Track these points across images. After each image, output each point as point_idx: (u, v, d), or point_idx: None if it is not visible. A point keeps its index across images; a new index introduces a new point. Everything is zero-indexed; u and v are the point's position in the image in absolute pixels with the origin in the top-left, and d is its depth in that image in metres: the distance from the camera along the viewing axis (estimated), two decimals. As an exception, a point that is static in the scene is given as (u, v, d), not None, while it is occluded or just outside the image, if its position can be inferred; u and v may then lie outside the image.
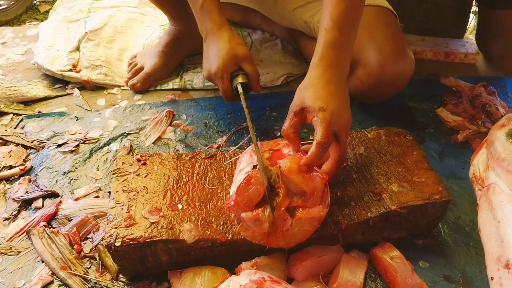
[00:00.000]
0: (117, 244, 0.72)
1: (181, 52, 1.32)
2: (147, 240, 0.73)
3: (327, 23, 0.83)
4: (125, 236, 0.73)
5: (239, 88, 0.99)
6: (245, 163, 0.79)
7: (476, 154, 0.90)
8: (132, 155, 0.90)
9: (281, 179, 0.74)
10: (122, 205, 0.78)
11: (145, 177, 0.84)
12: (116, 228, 0.74)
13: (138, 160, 0.87)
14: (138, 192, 0.81)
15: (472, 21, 1.78)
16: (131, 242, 0.72)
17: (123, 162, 0.87)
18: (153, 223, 0.75)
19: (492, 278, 0.70)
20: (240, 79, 1.01)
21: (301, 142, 0.82)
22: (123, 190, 0.81)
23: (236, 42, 1.02)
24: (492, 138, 0.85)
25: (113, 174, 0.85)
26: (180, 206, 0.79)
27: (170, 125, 1.13)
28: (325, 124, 0.75)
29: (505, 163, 0.79)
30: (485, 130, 1.08)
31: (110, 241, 0.72)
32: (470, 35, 1.66)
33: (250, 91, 1.03)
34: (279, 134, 1.11)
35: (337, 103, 0.79)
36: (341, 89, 0.82)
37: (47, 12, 2.51)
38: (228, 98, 1.05)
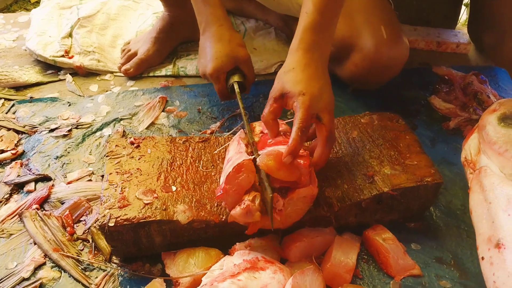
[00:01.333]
0: (111, 224, 0.72)
1: (174, 38, 1.32)
2: (141, 220, 0.73)
3: (308, 7, 0.82)
4: (118, 217, 0.73)
5: (236, 87, 0.99)
6: (233, 151, 0.78)
7: (468, 139, 0.91)
8: (126, 138, 0.90)
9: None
10: (116, 187, 0.78)
11: (138, 159, 0.84)
12: (109, 208, 0.74)
13: (132, 143, 0.87)
14: (131, 174, 0.81)
15: (464, 14, 1.78)
16: (125, 223, 0.72)
17: (116, 145, 0.87)
18: (147, 204, 0.75)
19: (483, 258, 0.71)
20: (236, 78, 1.01)
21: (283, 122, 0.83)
22: (117, 172, 0.81)
23: (237, 43, 1.01)
24: (484, 122, 0.86)
25: (107, 156, 0.85)
26: (174, 188, 0.79)
27: (163, 111, 1.13)
28: (303, 109, 0.74)
29: (497, 146, 0.79)
30: (476, 117, 1.09)
31: (103, 221, 0.72)
32: (462, 28, 1.67)
33: (245, 90, 1.03)
34: (272, 121, 1.11)
35: (317, 85, 0.78)
36: (321, 71, 0.81)
37: (38, 2, 2.49)
38: (223, 97, 1.05)
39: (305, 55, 0.80)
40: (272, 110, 0.79)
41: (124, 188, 0.78)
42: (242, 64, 1.01)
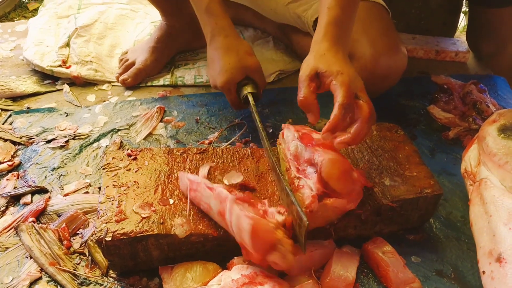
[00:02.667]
0: (108, 239, 0.71)
1: (172, 47, 1.31)
2: (138, 234, 0.72)
3: (329, 2, 0.83)
4: (115, 231, 0.72)
5: (250, 99, 0.98)
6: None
7: (468, 150, 0.90)
8: (123, 150, 0.89)
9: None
10: (113, 200, 0.77)
11: (136, 172, 0.83)
12: (106, 222, 0.73)
13: (129, 155, 0.86)
14: (128, 187, 0.80)
15: (462, 21, 1.79)
16: (122, 237, 0.71)
17: (113, 157, 0.86)
18: (144, 218, 0.74)
19: (483, 272, 0.70)
20: (249, 89, 0.99)
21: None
22: (114, 185, 0.80)
23: (245, 52, 1.00)
24: (484, 133, 0.85)
25: (104, 169, 0.84)
26: (171, 201, 0.78)
27: (161, 121, 1.12)
28: (345, 86, 0.74)
29: (497, 157, 0.79)
30: (476, 127, 1.09)
31: (100, 235, 0.71)
32: (461, 35, 1.67)
33: (259, 99, 1.02)
34: (271, 130, 1.11)
35: (350, 68, 0.79)
36: (348, 60, 0.82)
37: (36, 10, 2.48)
38: (235, 107, 1.04)
39: (333, 46, 0.81)
40: (313, 90, 0.78)
41: (121, 201, 0.77)
42: (252, 73, 1.00)
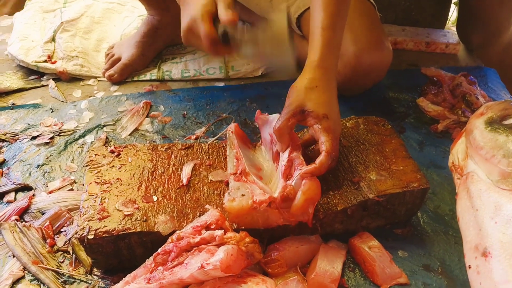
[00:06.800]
0: (90, 237, 0.70)
1: (159, 42, 1.30)
2: (121, 232, 0.71)
3: (324, 22, 0.81)
4: (98, 229, 0.71)
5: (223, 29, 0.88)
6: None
7: (456, 143, 0.89)
8: (108, 146, 0.88)
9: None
10: (95, 198, 0.76)
11: (119, 168, 0.82)
12: (89, 220, 0.72)
13: (112, 152, 0.85)
14: (111, 184, 0.79)
15: (454, 12, 1.77)
16: (105, 235, 0.71)
17: (96, 154, 0.85)
18: (127, 215, 0.73)
19: (469, 267, 0.70)
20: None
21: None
22: (96, 182, 0.79)
23: None
24: (471, 126, 0.84)
25: (87, 166, 0.83)
26: (155, 198, 0.77)
27: (147, 116, 1.11)
28: (332, 134, 0.75)
29: (484, 151, 0.78)
30: (465, 120, 1.08)
31: (83, 234, 0.70)
32: (453, 27, 1.66)
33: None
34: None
35: (336, 109, 0.80)
36: (336, 93, 0.82)
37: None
38: (212, 43, 0.90)
39: (326, 74, 0.81)
40: (290, 125, 0.78)
41: (104, 199, 0.76)
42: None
